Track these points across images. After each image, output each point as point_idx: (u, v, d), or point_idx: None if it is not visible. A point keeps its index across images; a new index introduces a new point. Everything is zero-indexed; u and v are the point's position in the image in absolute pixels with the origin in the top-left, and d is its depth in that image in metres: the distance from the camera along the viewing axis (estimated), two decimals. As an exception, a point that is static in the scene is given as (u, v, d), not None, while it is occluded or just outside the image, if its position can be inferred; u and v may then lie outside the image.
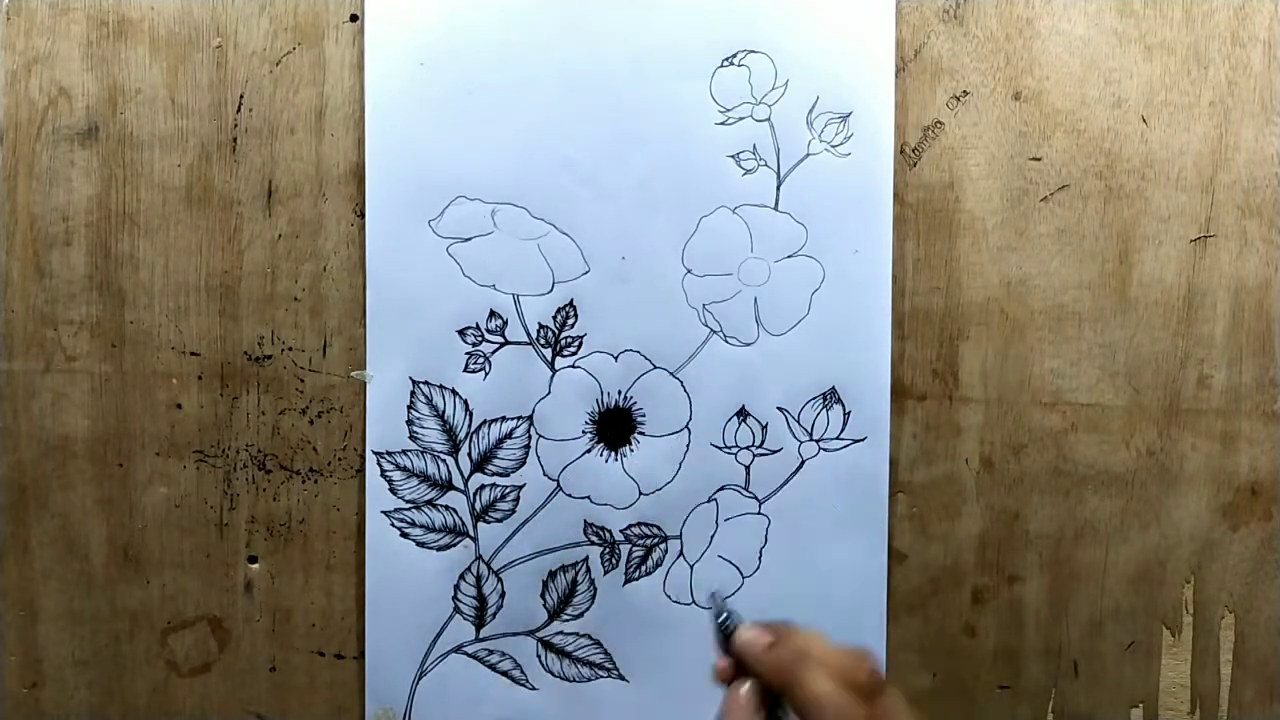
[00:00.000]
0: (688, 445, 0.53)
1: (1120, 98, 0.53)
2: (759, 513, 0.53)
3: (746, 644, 0.40)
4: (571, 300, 0.53)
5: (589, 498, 0.53)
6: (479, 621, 0.54)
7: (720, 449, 0.53)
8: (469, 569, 0.54)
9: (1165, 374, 0.53)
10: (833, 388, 0.53)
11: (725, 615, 0.41)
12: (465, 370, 0.53)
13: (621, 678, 0.54)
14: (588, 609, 0.54)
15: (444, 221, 0.52)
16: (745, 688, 0.39)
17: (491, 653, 0.54)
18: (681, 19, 0.52)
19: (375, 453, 0.53)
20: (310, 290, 0.53)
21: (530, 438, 0.53)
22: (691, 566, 0.54)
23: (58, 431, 0.53)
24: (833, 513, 0.53)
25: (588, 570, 0.54)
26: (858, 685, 0.38)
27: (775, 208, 0.53)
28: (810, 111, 0.52)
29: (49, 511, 0.54)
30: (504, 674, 0.54)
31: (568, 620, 0.54)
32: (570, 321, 0.53)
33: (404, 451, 0.53)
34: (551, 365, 0.53)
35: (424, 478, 0.53)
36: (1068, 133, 0.53)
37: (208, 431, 0.53)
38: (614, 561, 0.54)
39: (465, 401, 0.53)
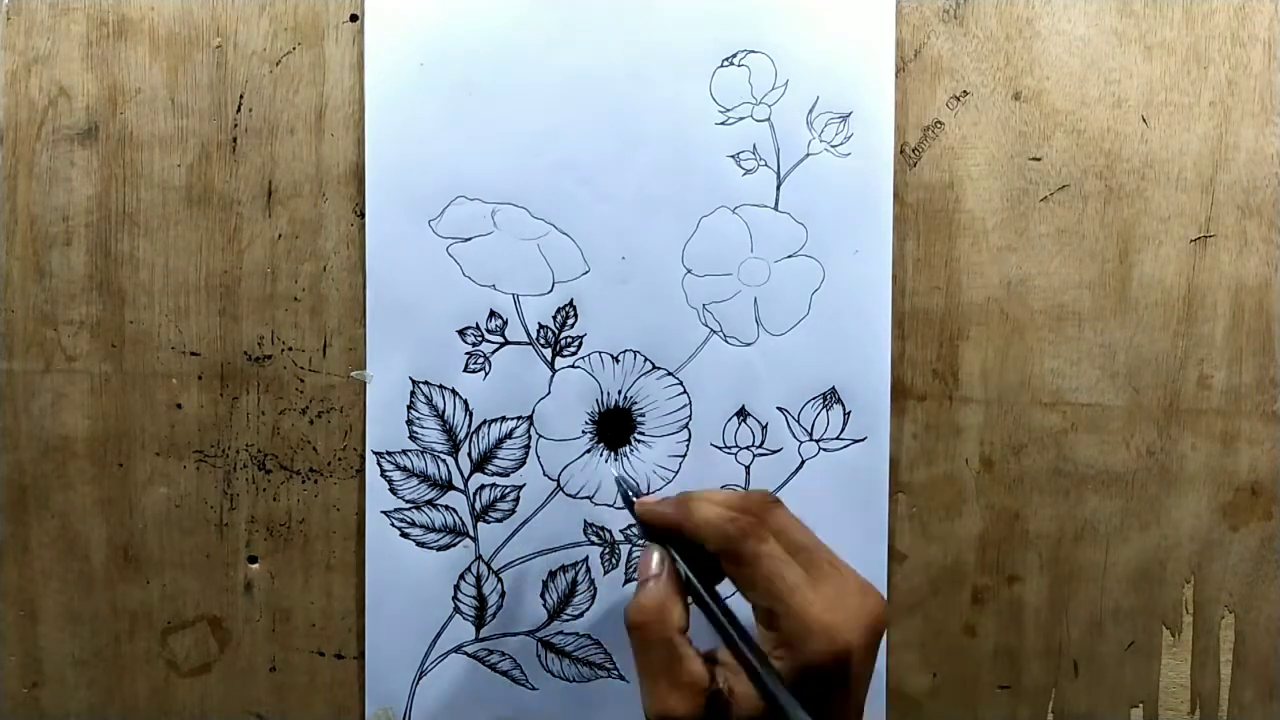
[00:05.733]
0: (687, 445, 0.53)
1: (1120, 98, 0.53)
2: (759, 513, 0.53)
3: (641, 504, 0.45)
4: (571, 300, 0.53)
5: (589, 498, 0.53)
6: (479, 621, 0.54)
7: (720, 449, 0.53)
8: (469, 569, 0.54)
9: (1165, 374, 0.53)
10: (833, 388, 0.53)
11: (629, 492, 0.48)
12: (465, 370, 0.53)
13: (621, 678, 0.54)
14: (588, 609, 0.54)
15: (444, 221, 0.52)
16: (650, 548, 0.44)
17: (491, 653, 0.54)
18: (681, 19, 0.52)
19: (375, 453, 0.53)
20: (310, 290, 0.53)
21: (530, 438, 0.53)
22: (691, 566, 0.54)
23: (58, 431, 0.53)
24: (833, 513, 0.53)
25: (588, 570, 0.54)
26: (747, 506, 0.42)
27: (775, 208, 0.53)
28: (810, 111, 0.52)
29: (49, 511, 0.54)
30: (504, 674, 0.54)
31: (568, 620, 0.54)
32: (570, 321, 0.53)
33: (404, 451, 0.53)
34: (551, 365, 0.53)
35: (424, 478, 0.53)
36: (1068, 133, 0.53)
37: (208, 431, 0.53)
38: (614, 561, 0.54)
39: (465, 401, 0.53)
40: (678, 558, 0.43)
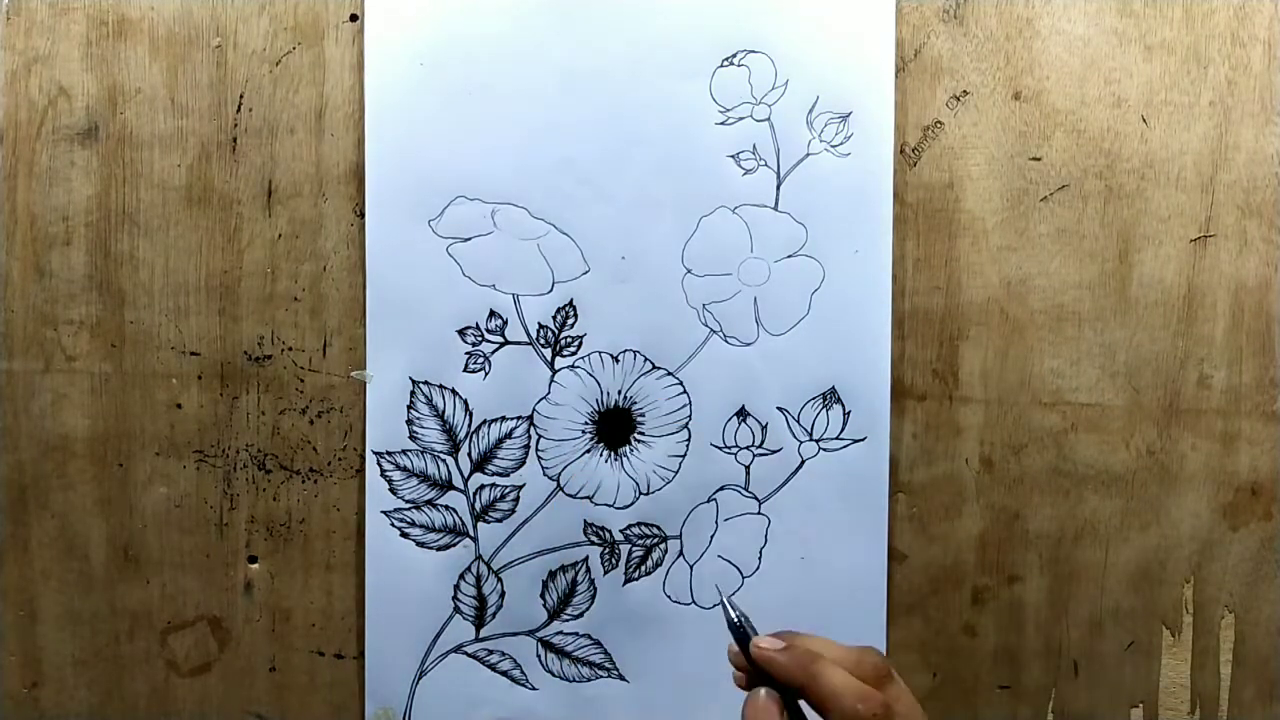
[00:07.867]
0: (687, 445, 0.53)
1: (1120, 98, 0.53)
2: (759, 513, 0.53)
3: (763, 651, 0.41)
4: (571, 300, 0.53)
5: (589, 498, 0.53)
6: (479, 621, 0.54)
7: (720, 449, 0.53)
8: (469, 569, 0.54)
9: (1165, 374, 0.53)
10: (833, 388, 0.53)
11: (739, 617, 0.42)
12: (465, 370, 0.53)
13: (621, 678, 0.54)
14: (588, 609, 0.54)
15: (444, 221, 0.52)
16: (764, 692, 0.41)
17: (491, 653, 0.54)
18: (681, 19, 0.52)
19: (375, 453, 0.53)
20: (310, 290, 0.53)
21: (530, 438, 0.53)
22: (691, 566, 0.54)
23: (58, 431, 0.53)
24: (833, 513, 0.53)
25: (588, 570, 0.54)
26: (866, 676, 0.40)
27: (775, 208, 0.53)
28: (810, 111, 0.52)
29: (49, 511, 0.54)
30: (504, 674, 0.54)
31: (568, 620, 0.54)
32: (570, 321, 0.53)
33: (404, 451, 0.53)
34: (551, 365, 0.53)
35: (424, 478, 0.53)
36: (1068, 133, 0.53)
37: (208, 431, 0.53)
38: (614, 561, 0.54)
39: (465, 401, 0.53)
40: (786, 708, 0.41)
